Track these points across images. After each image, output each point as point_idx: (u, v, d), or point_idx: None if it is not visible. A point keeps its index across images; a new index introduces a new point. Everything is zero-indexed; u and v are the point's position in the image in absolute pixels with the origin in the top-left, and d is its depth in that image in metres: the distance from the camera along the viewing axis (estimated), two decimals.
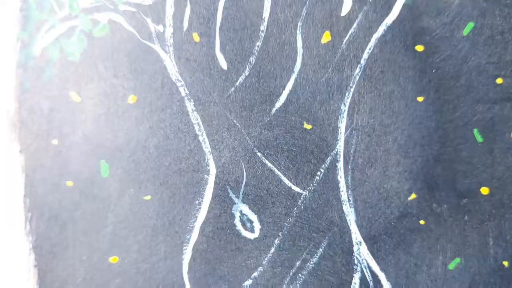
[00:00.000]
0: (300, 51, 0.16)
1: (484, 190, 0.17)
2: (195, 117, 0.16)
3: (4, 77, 0.16)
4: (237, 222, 0.17)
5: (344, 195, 0.17)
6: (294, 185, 0.17)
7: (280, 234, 0.17)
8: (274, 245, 0.17)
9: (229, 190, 0.17)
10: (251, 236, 0.17)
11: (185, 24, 0.16)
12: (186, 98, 0.16)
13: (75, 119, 0.16)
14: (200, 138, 0.16)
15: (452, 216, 0.17)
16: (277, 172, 0.17)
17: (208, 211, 0.17)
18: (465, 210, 0.17)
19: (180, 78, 0.16)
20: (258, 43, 0.16)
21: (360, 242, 0.17)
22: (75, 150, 0.16)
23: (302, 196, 0.17)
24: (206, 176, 0.16)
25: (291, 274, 0.17)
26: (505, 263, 0.17)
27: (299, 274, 0.17)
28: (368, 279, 0.17)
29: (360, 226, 0.17)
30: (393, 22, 0.16)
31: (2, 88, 0.16)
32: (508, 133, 0.17)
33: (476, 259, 0.17)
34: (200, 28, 0.16)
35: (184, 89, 0.16)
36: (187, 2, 0.16)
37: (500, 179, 0.17)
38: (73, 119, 0.16)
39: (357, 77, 0.16)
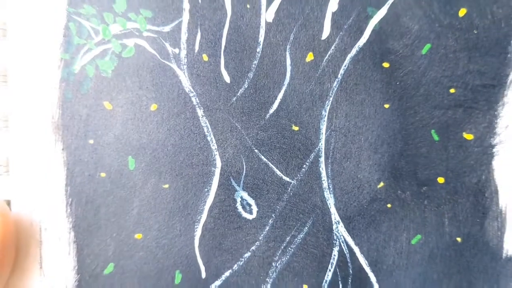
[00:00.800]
0: (288, 68, 0.19)
1: (440, 180, 0.20)
2: (204, 121, 0.19)
3: (49, 90, 0.19)
4: (238, 205, 0.20)
5: (325, 183, 0.20)
6: (284, 175, 0.20)
7: (273, 215, 0.20)
8: (268, 224, 0.20)
9: (232, 180, 0.20)
10: (249, 217, 0.20)
11: (196, 47, 0.19)
12: (197, 106, 0.19)
13: (107, 123, 0.20)
14: (208, 138, 0.20)
15: (414, 201, 0.20)
16: (271, 165, 0.20)
17: (215, 197, 0.20)
18: (425, 196, 0.21)
19: (192, 90, 0.19)
20: (255, 62, 0.19)
21: (338, 222, 0.20)
22: (107, 148, 0.20)
23: (291, 185, 0.20)
24: (213, 168, 0.20)
25: (282, 247, 0.20)
26: (458, 239, 0.21)
27: (289, 248, 0.21)
28: (345, 252, 0.20)
29: (338, 209, 0.20)
30: (364, 44, 0.19)
31: (48, 99, 0.19)
32: (460, 133, 0.21)
33: (434, 236, 0.21)
34: (208, 50, 0.19)
35: (196, 99, 0.19)
36: (198, 29, 0.19)
37: (453, 170, 0.21)
38: (105, 123, 0.20)
39: (335, 89, 0.20)
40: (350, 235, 0.21)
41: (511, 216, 0.22)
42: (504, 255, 0.22)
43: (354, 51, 0.20)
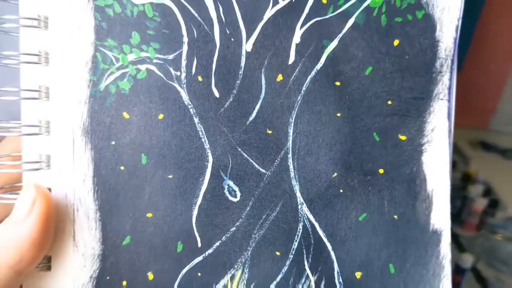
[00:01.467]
0: (263, 86, 0.24)
1: (381, 171, 0.25)
2: (199, 127, 0.24)
3: (81, 104, 0.25)
4: (225, 191, 0.25)
5: (292, 174, 0.25)
6: (261, 168, 0.25)
7: (252, 199, 0.25)
8: (249, 206, 0.25)
9: (221, 172, 0.25)
10: (234, 200, 0.25)
11: (193, 71, 0.24)
12: (194, 115, 0.24)
13: (125, 128, 0.24)
14: (203, 140, 0.25)
15: (361, 187, 0.25)
16: (251, 160, 0.25)
17: (208, 185, 0.25)
18: (369, 184, 0.25)
19: (190, 103, 0.24)
20: (238, 82, 0.24)
21: (302, 203, 0.25)
22: (125, 147, 0.25)
23: (266, 175, 0.25)
24: (206, 163, 0.25)
25: (259, 223, 0.25)
26: (395, 217, 0.26)
27: (265, 223, 0.26)
28: (308, 226, 0.25)
29: (302, 194, 0.25)
30: (321, 68, 0.24)
31: (80, 110, 0.25)
32: (396, 135, 0.26)
33: (376, 214, 0.25)
34: (202, 73, 0.24)
35: (193, 110, 0.24)
36: (194, 57, 0.24)
37: (391, 164, 0.25)
38: (124, 129, 0.24)
39: (299, 102, 0.25)
40: (311, 214, 0.26)
41: (436, 199, 0.27)
42: (431, 229, 0.27)
43: (313, 73, 0.25)
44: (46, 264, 0.25)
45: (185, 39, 0.24)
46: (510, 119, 2.46)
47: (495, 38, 2.44)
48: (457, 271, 1.16)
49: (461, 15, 0.25)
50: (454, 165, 1.90)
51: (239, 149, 0.25)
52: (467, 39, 2.45)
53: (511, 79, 2.46)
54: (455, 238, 1.57)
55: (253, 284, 0.26)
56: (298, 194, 0.25)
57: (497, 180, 1.88)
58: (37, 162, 0.24)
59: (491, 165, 2.11)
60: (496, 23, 2.37)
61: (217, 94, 0.24)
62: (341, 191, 0.25)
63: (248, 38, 0.24)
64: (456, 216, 1.59)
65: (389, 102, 0.25)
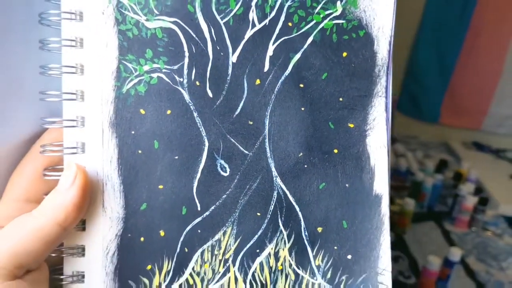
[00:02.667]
0: (246, 88, 0.31)
1: (335, 151, 0.32)
2: (198, 120, 0.31)
3: (108, 103, 0.32)
4: (218, 168, 0.32)
5: (268, 154, 0.32)
6: (245, 150, 0.31)
7: (239, 173, 0.32)
8: (236, 179, 0.32)
9: (214, 153, 0.32)
10: (225, 174, 0.31)
11: (192, 77, 0.31)
12: (194, 110, 0.31)
13: (142, 121, 0.31)
14: (200, 129, 0.31)
15: (320, 163, 0.32)
16: (237, 144, 0.32)
17: (204, 163, 0.31)
18: (327, 160, 0.32)
19: (190, 102, 0.31)
20: (226, 85, 0.31)
21: (276, 176, 0.32)
22: (142, 136, 0.31)
23: (248, 155, 0.32)
24: (203, 147, 0.31)
25: (244, 192, 0.32)
26: (347, 185, 0.34)
27: (248, 192, 0.32)
28: (281, 194, 0.32)
29: (276, 169, 0.32)
30: (288, 74, 0.31)
31: (107, 108, 0.32)
32: (346, 124, 0.33)
33: (332, 184, 0.33)
34: (199, 79, 0.30)
35: (192, 107, 0.31)
36: (193, 67, 0.31)
37: (343, 146, 0.33)
38: (141, 122, 0.31)
39: (273, 99, 0.31)
40: (283, 184, 0.32)
41: (377, 171, 0.34)
42: (373, 193, 0.34)
43: (282, 78, 0.31)
44: (82, 226, 0.31)
45: (186, 54, 0.30)
46: (502, 121, 2.45)
47: (487, 40, 2.36)
48: (446, 264, 1.21)
49: (392, 33, 0.33)
50: (446, 165, 1.93)
51: (228, 136, 0.31)
52: (458, 42, 2.49)
53: (502, 81, 2.40)
54: (446, 234, 1.58)
55: (240, 237, 0.33)
56: (273, 169, 0.31)
57: (490, 179, 1.96)
58: (75, 147, 0.31)
59: (484, 164, 2.17)
60: (487, 26, 2.42)
61: (210, 95, 0.30)
62: (305, 166, 0.32)
63: (233, 52, 0.30)
64: (448, 214, 1.68)
65: (341, 99, 0.31)
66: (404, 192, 1.77)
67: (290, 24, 0.31)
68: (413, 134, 2.56)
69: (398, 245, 1.51)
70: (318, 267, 0.32)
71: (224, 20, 0.31)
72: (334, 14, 0.31)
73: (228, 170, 0.32)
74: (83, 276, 0.31)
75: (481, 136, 2.55)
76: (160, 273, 0.32)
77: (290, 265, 0.32)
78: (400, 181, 1.83)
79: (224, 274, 0.32)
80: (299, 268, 0.32)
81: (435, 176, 1.78)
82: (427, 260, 1.24)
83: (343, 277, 0.32)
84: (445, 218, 1.70)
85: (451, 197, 1.72)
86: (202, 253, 0.32)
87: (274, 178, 0.32)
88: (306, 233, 0.33)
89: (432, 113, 2.54)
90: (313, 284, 0.32)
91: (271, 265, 0.32)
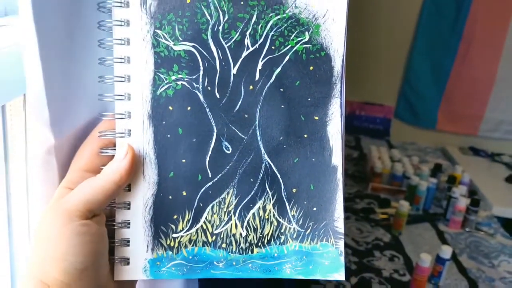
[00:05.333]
0: (242, 92, 0.41)
1: (305, 136, 0.42)
2: (209, 114, 0.38)
3: (147, 102, 0.45)
4: (223, 147, 0.40)
5: (258, 138, 0.41)
6: (242, 135, 0.40)
7: (237, 151, 0.42)
8: (236, 155, 0.39)
9: (220, 137, 0.40)
10: (228, 152, 0.40)
11: (205, 84, 0.39)
12: (206, 107, 0.42)
13: (170, 114, 0.39)
14: (211, 121, 0.38)
15: (295, 144, 0.39)
16: (237, 131, 0.41)
17: (213, 144, 0.39)
18: (299, 142, 0.42)
19: (204, 101, 0.42)
20: (229, 89, 0.42)
21: (264, 154, 0.42)
22: (171, 125, 0.38)
23: (244, 139, 0.42)
24: (213, 132, 0.39)
25: (241, 164, 0.41)
26: (313, 159, 0.47)
27: (244, 164, 0.43)
28: (267, 166, 0.44)
29: (264, 148, 0.41)
30: (272, 81, 0.42)
31: (146, 106, 0.45)
32: (313, 117, 0.46)
33: (303, 159, 0.43)
34: (210, 85, 0.38)
35: (205, 104, 0.42)
36: (206, 77, 0.44)
37: (310, 132, 0.45)
38: (169, 115, 0.38)
39: (262, 100, 0.43)
40: (269, 159, 0.40)
41: (335, 150, 0.48)
42: (331, 165, 0.45)
43: (268, 84, 0.39)
44: (128, 188, 0.44)
45: (201, 68, 0.38)
46: (497, 126, 2.54)
47: (480, 48, 2.42)
48: (438, 261, 1.26)
49: (344, 53, 0.46)
50: (441, 169, 2.00)
51: (230, 125, 0.39)
52: (452, 51, 2.56)
53: (496, 87, 2.47)
54: (441, 234, 1.67)
55: (239, 196, 0.45)
56: (262, 149, 0.40)
57: (485, 182, 2.09)
58: (123, 133, 0.44)
59: (479, 168, 2.29)
60: (480, 35, 2.52)
61: (218, 96, 0.39)
62: (284, 147, 0.40)
63: (234, 66, 0.38)
64: (443, 215, 1.78)
65: (309, 99, 0.40)
66: (401, 196, 1.86)
67: (273, 47, 0.44)
68: (411, 141, 2.66)
69: (394, 245, 1.58)
70: (293, 216, 0.46)
71: (228, 45, 0.43)
72: (303, 40, 0.44)
73: (230, 149, 0.40)
74: (128, 223, 0.43)
75: (478, 141, 2.64)
76: (183, 221, 0.45)
77: (274, 215, 0.46)
78: (397, 185, 1.93)
79: (227, 222, 0.45)
80: (280, 217, 0.46)
81: (430, 180, 1.87)
82: (419, 257, 1.32)
83: (310, 223, 0.46)
84: (439, 219, 1.80)
85: (445, 199, 1.82)
86: (212, 207, 0.45)
87: (263, 155, 0.41)
88: (285, 193, 0.45)
89: (429, 120, 2.64)
90: (289, 228, 0.46)
91: (260, 215, 0.45)
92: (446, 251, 1.22)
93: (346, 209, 1.66)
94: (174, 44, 0.40)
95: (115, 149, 0.39)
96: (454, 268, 1.36)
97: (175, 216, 0.41)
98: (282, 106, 0.42)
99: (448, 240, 1.53)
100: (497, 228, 1.59)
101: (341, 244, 0.41)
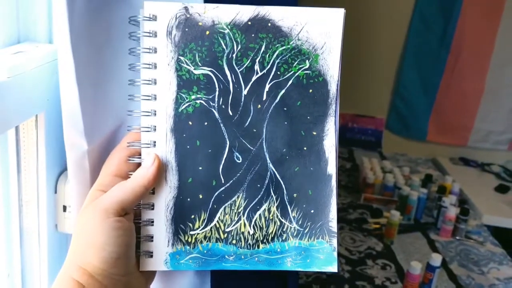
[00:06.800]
0: (252, 110, 0.48)
1: (305, 148, 0.49)
2: (223, 128, 0.39)
3: (170, 118, 0.52)
4: (235, 157, 0.39)
5: (265, 149, 0.46)
6: (251, 147, 0.44)
7: (247, 161, 0.42)
8: (245, 164, 0.42)
9: (232, 149, 0.42)
10: (238, 161, 0.46)
11: (220, 103, 0.45)
12: (220, 123, 0.46)
13: (190, 129, 0.45)
14: (224, 134, 0.43)
15: (296, 156, 0.49)
16: (246, 143, 0.46)
17: (226, 155, 0.39)
18: (299, 154, 0.48)
19: (219, 117, 0.46)
20: (240, 108, 0.45)
21: (270, 163, 0.45)
22: (190, 137, 0.42)
23: (253, 150, 0.45)
24: (226, 145, 0.40)
25: (250, 172, 0.47)
26: (312, 168, 0.54)
27: (252, 172, 0.50)
28: (272, 174, 0.49)
29: (269, 158, 0.46)
30: (277, 101, 0.47)
31: (169, 121, 0.52)
32: (312, 132, 0.54)
33: (303, 168, 0.51)
34: (224, 104, 0.42)
35: (219, 120, 0.45)
36: (221, 96, 0.50)
37: (309, 145, 0.51)
38: (189, 129, 0.43)
39: (268, 117, 0.49)
40: (274, 167, 0.46)
41: (330, 161, 0.55)
42: (327, 174, 0.50)
43: (274, 104, 0.44)
44: (152, 191, 0.47)
45: (217, 89, 0.44)
46: (486, 136, 2.57)
47: (468, 61, 2.45)
48: (428, 269, 1.28)
49: (339, 78, 0.53)
50: (431, 179, 2.04)
51: (241, 138, 0.45)
52: (441, 64, 2.51)
53: (484, 99, 2.50)
54: (432, 243, 1.69)
55: (247, 200, 0.50)
56: (268, 159, 0.45)
57: (474, 192, 2.12)
58: (149, 144, 0.51)
59: (469, 178, 2.31)
60: (467, 48, 2.56)
61: (231, 114, 0.44)
62: (287, 157, 0.45)
63: (245, 88, 0.44)
64: (434, 224, 1.81)
65: (308, 117, 0.45)
66: (392, 206, 1.89)
67: (278, 73, 0.51)
68: (402, 152, 2.69)
69: (386, 254, 1.60)
70: (294, 217, 0.52)
71: (240, 70, 0.50)
72: (304, 67, 0.51)
73: (240, 158, 0.45)
74: (152, 222, 0.49)
75: (468, 152, 2.67)
76: (199, 220, 0.51)
77: (277, 216, 0.52)
78: (388, 195, 1.96)
79: (237, 221, 0.52)
80: (282, 218, 0.53)
81: (420, 190, 1.90)
82: (410, 265, 1.34)
83: (309, 223, 0.52)
84: (430, 228, 1.83)
85: (436, 209, 1.85)
86: (224, 209, 0.51)
87: (268, 164, 0.46)
88: (287, 197, 0.50)
89: (419, 131, 2.67)
90: (290, 227, 0.53)
91: (265, 216, 0.52)
92: (436, 259, 1.27)
93: (339, 220, 1.72)
94: (194, 69, 0.46)
95: (140, 158, 0.45)
96: (444, 276, 1.39)
97: (193, 216, 0.46)
98: (286, 122, 0.47)
99: (439, 248, 1.56)
100: (486, 236, 1.65)
101: (334, 241, 0.48)
